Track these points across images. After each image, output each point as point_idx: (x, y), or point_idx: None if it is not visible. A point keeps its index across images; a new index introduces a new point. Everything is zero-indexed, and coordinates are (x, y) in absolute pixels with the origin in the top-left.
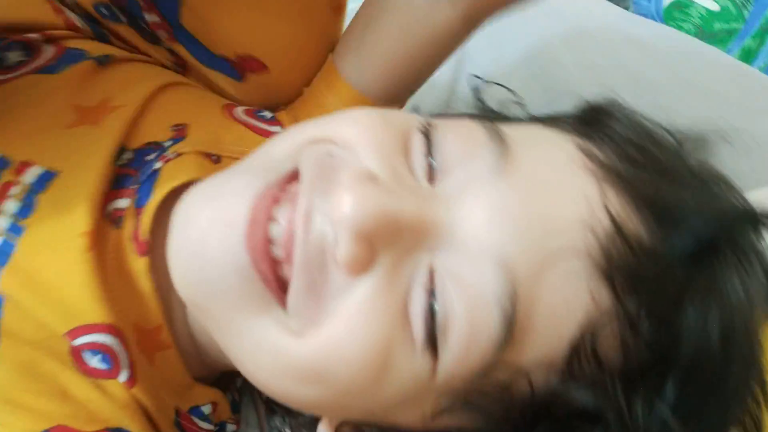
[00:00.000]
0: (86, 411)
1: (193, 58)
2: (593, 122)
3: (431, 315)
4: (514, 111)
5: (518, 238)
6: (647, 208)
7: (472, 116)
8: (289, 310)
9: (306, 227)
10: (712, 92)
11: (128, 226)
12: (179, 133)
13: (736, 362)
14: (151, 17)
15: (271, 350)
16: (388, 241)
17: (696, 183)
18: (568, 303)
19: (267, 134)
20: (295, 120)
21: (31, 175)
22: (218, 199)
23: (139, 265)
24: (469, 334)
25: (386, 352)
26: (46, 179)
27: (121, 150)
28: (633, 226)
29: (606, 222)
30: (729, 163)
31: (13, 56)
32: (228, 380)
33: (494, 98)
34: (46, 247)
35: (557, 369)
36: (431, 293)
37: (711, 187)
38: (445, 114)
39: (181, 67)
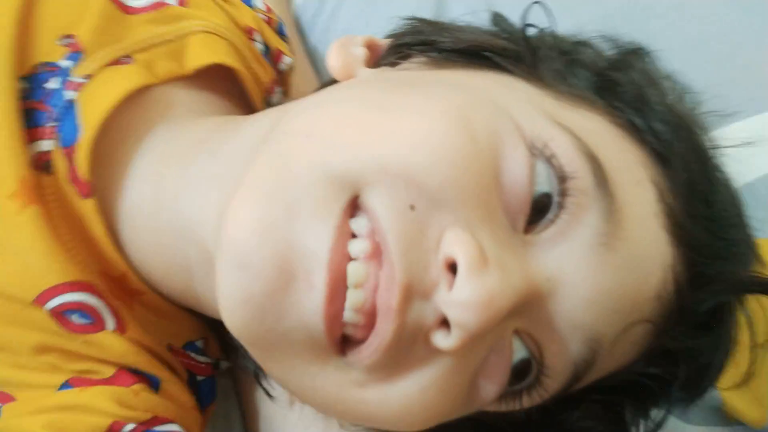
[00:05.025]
0: (93, 361)
1: None
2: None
3: (511, 380)
4: None
5: (611, 318)
6: (693, 276)
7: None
8: (353, 364)
9: (403, 311)
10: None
11: (60, 168)
12: (72, 47)
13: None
14: None
15: (329, 394)
16: None
17: (726, 251)
18: (622, 359)
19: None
20: None
21: None
22: (285, 241)
23: (86, 207)
24: (539, 397)
25: (449, 413)
26: None
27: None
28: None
29: (670, 289)
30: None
31: None
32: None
33: None
34: None
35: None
36: (509, 364)
37: (741, 253)
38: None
39: None
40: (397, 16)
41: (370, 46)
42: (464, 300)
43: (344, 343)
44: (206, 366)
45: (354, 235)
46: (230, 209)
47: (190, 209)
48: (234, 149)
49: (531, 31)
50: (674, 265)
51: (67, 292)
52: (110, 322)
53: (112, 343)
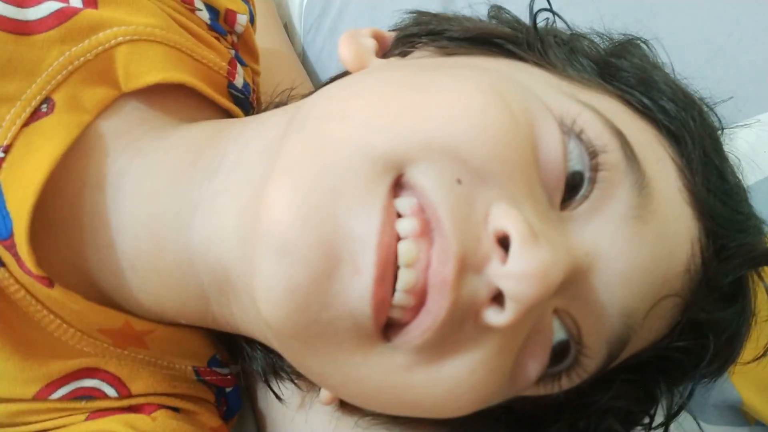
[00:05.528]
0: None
1: None
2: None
3: (550, 362)
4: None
5: (645, 292)
6: (717, 249)
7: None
8: (399, 347)
9: (457, 285)
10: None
11: (8, 260)
12: None
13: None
14: None
15: (374, 383)
16: None
17: (744, 224)
18: (652, 334)
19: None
20: None
21: None
22: (330, 225)
23: (55, 295)
24: (578, 377)
25: (493, 396)
26: None
27: None
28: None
29: (698, 262)
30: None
31: None
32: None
33: None
34: None
35: None
36: (550, 343)
37: (756, 226)
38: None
39: None
40: (402, 10)
41: (377, 38)
42: (520, 272)
43: (386, 328)
44: (231, 376)
45: (399, 216)
46: (266, 196)
47: (199, 233)
48: (240, 159)
49: (537, 21)
50: (700, 238)
51: (59, 387)
52: (112, 392)
53: (116, 400)
